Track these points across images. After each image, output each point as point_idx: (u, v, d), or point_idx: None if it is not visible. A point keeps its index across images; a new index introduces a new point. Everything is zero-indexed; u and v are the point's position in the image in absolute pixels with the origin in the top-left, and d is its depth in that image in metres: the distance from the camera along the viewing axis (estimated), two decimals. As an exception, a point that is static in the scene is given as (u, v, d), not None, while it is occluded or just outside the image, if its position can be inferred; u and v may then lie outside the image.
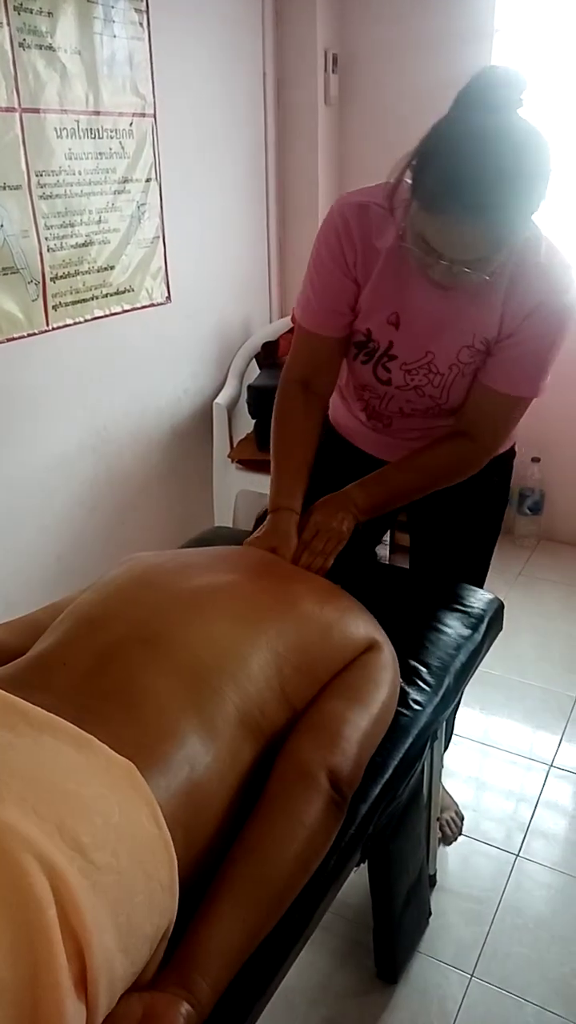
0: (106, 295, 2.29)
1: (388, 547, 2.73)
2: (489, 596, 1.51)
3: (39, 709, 0.82)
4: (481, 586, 1.62)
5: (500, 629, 1.51)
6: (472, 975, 1.55)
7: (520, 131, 1.06)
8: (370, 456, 1.58)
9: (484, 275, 1.17)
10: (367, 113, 2.98)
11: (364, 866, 1.38)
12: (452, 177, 1.05)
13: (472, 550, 1.67)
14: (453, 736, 1.97)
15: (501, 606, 1.51)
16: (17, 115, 1.89)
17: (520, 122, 1.07)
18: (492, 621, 1.46)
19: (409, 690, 1.24)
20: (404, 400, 1.44)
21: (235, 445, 2.74)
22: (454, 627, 1.40)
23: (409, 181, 1.15)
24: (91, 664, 0.95)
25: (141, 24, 2.20)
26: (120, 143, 2.22)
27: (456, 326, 1.32)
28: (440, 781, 1.65)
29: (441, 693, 1.26)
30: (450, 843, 1.85)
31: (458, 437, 1.41)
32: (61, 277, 2.11)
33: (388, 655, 1.15)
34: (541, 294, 1.25)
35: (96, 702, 0.89)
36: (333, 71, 2.89)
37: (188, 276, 2.60)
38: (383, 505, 1.41)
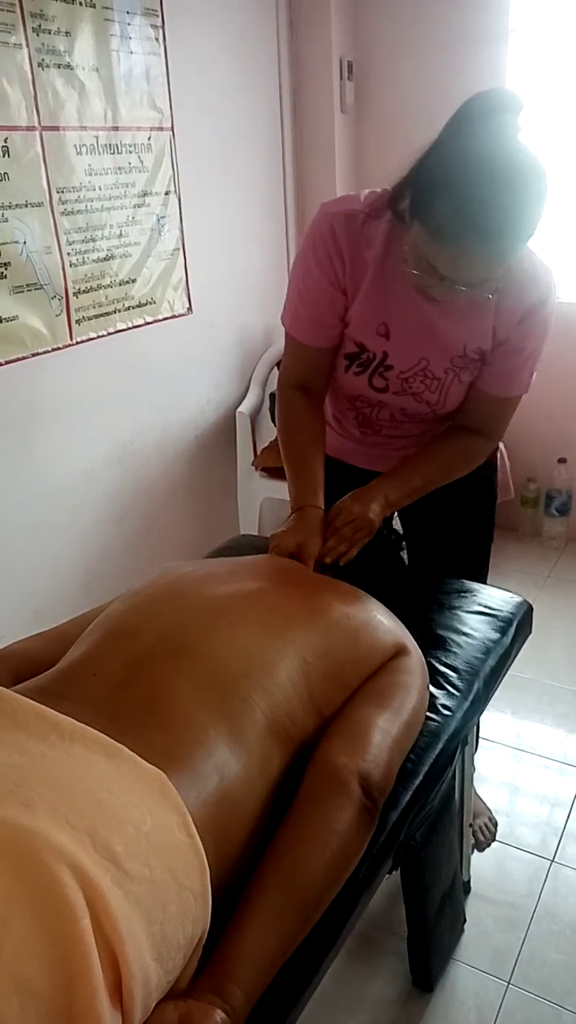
0: (128, 308, 2.31)
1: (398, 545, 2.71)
2: (517, 599, 1.50)
3: (70, 719, 0.83)
4: (484, 581, 1.64)
5: (529, 632, 1.50)
6: (509, 982, 1.53)
7: (524, 157, 1.08)
8: (362, 470, 1.58)
9: (487, 294, 1.20)
10: (384, 120, 2.99)
11: (397, 873, 1.37)
12: (466, 209, 1.06)
13: (470, 546, 1.69)
14: (483, 740, 1.95)
15: (530, 609, 1.50)
16: (37, 133, 1.92)
17: (523, 148, 1.09)
18: (521, 624, 1.45)
19: (438, 695, 1.24)
20: (398, 407, 1.46)
21: (259, 453, 2.75)
22: (482, 630, 1.39)
23: (406, 202, 1.17)
24: (120, 674, 0.96)
25: (157, 39, 2.23)
26: (139, 157, 2.24)
27: (448, 336, 1.34)
28: (472, 786, 1.64)
29: (471, 697, 1.25)
30: (484, 849, 1.83)
31: (465, 432, 1.45)
32: (84, 291, 2.13)
33: (416, 660, 1.15)
34: (531, 300, 1.30)
35: (126, 712, 0.90)
36: (349, 79, 2.90)
37: (209, 287, 2.62)
38: (406, 498, 1.42)
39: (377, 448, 1.58)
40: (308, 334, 1.40)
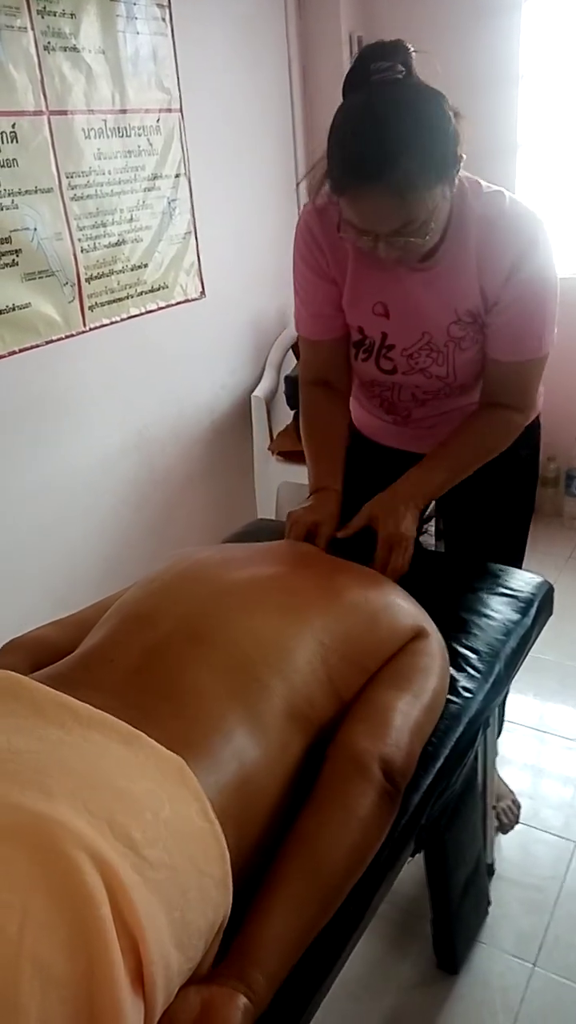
0: (141, 293, 2.29)
1: (433, 535, 2.69)
2: (538, 579, 1.48)
3: (88, 706, 0.82)
4: (519, 566, 1.59)
5: (550, 613, 1.48)
6: (535, 965, 1.53)
7: (401, 94, 1.10)
8: (399, 451, 1.58)
9: (421, 239, 1.17)
10: (395, 95, 2.94)
11: (421, 856, 1.37)
12: (346, 155, 1.12)
13: (506, 529, 1.65)
14: (505, 723, 1.94)
15: (551, 589, 1.48)
16: (45, 118, 1.91)
17: (403, 86, 1.11)
18: (542, 605, 1.43)
19: (459, 677, 1.22)
20: (414, 386, 1.46)
21: (275, 437, 2.73)
22: (502, 612, 1.37)
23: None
24: (138, 661, 0.95)
25: (164, 19, 2.20)
26: (148, 140, 2.22)
27: (440, 303, 1.33)
28: (494, 769, 1.63)
29: (492, 680, 1.24)
30: (507, 831, 1.82)
31: (489, 407, 1.42)
32: (96, 277, 2.12)
33: (436, 642, 1.14)
34: (513, 253, 1.25)
35: (144, 698, 0.89)
36: (359, 54, 2.85)
37: (221, 270, 2.60)
38: (439, 489, 1.39)
39: (408, 430, 1.57)
40: (312, 330, 1.47)
